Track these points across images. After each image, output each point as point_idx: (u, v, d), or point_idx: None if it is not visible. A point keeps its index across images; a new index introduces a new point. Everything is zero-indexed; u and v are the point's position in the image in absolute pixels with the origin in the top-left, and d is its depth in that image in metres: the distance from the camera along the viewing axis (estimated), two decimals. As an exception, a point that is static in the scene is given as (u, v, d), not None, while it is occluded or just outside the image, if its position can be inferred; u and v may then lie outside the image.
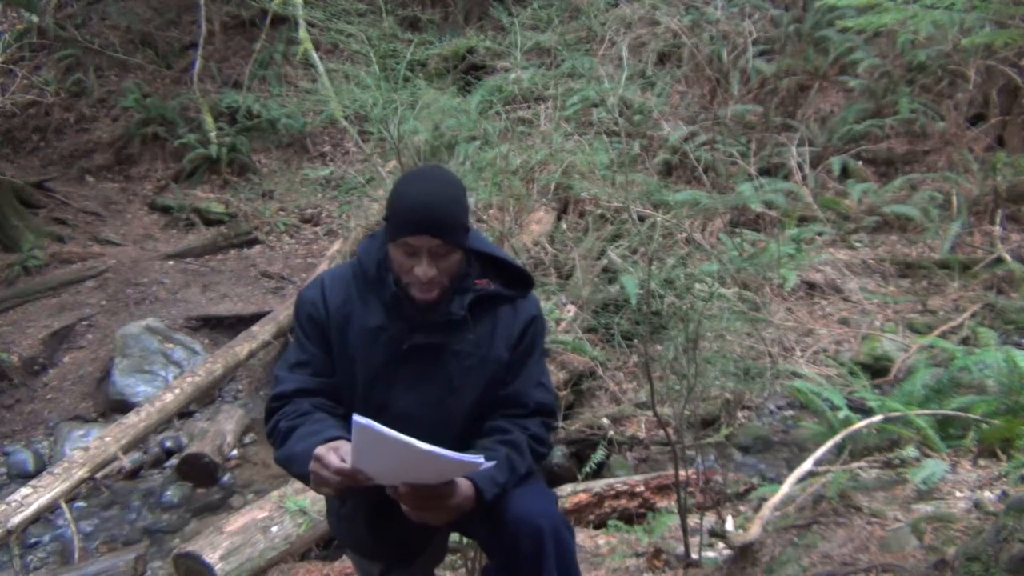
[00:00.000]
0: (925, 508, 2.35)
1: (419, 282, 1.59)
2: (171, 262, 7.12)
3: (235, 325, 5.88)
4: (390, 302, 1.66)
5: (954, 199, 5.91)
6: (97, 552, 3.88)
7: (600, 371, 4.60)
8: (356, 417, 1.34)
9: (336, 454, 1.46)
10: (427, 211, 1.55)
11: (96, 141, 8.96)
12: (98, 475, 4.20)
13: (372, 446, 1.40)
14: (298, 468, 1.53)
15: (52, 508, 3.79)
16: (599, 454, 3.83)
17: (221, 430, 4.76)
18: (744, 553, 2.38)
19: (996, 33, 3.03)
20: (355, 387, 1.70)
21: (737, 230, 5.79)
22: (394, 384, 1.69)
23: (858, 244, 5.94)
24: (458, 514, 1.52)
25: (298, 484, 3.44)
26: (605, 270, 5.15)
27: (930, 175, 6.23)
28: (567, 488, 3.46)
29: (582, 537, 3.01)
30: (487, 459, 1.47)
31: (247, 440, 4.94)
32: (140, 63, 9.51)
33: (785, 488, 2.51)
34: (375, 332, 1.67)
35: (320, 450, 1.47)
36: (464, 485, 1.52)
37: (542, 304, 2.02)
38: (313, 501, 3.41)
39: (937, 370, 3.41)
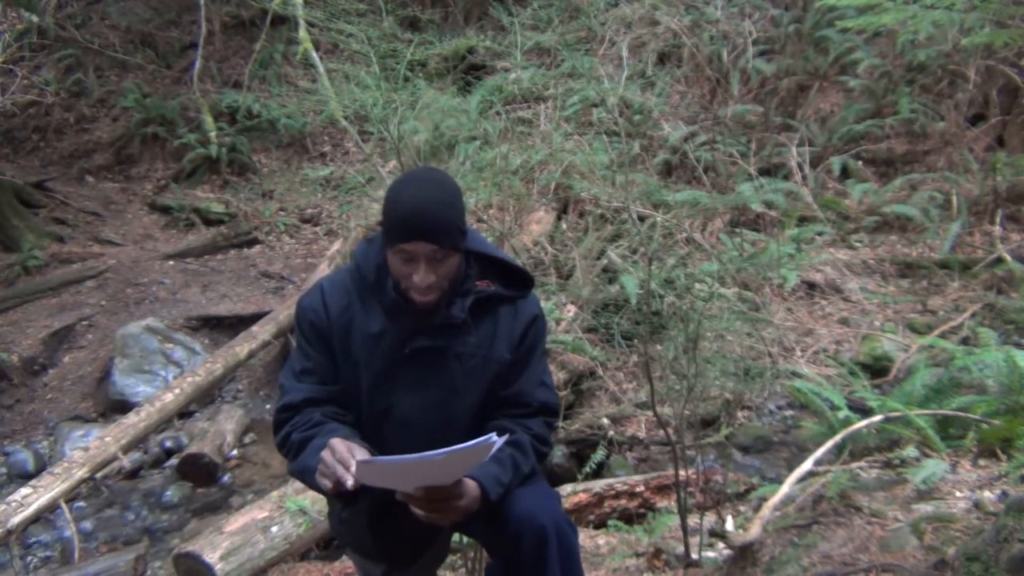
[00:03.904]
0: (925, 508, 2.35)
1: (418, 287, 1.58)
2: (171, 262, 7.12)
3: (235, 325, 5.88)
4: (391, 307, 1.66)
5: (954, 199, 5.92)
6: (97, 552, 3.87)
7: (600, 371, 4.60)
8: (357, 459, 1.39)
9: (347, 447, 1.46)
10: (422, 217, 1.54)
11: (96, 141, 8.95)
12: (98, 475, 4.20)
13: (382, 474, 1.41)
14: (314, 479, 1.51)
15: (52, 508, 3.79)
16: (599, 454, 3.83)
17: (221, 430, 4.76)
18: (744, 553, 2.38)
19: (996, 33, 3.03)
20: (359, 392, 1.70)
21: (737, 230, 5.79)
22: (397, 388, 1.68)
23: (858, 244, 5.94)
24: (466, 514, 1.52)
25: (298, 484, 3.43)
26: (605, 270, 5.15)
27: (930, 175, 6.23)
28: (567, 488, 3.46)
29: (582, 537, 3.01)
30: (491, 458, 1.47)
31: (247, 440, 4.94)
32: (140, 63, 9.51)
33: (785, 488, 2.51)
34: (377, 337, 1.67)
35: (335, 440, 1.48)
36: (471, 486, 1.52)
37: (542, 304, 2.02)
38: (313, 501, 3.41)
39: (937, 370, 3.41)
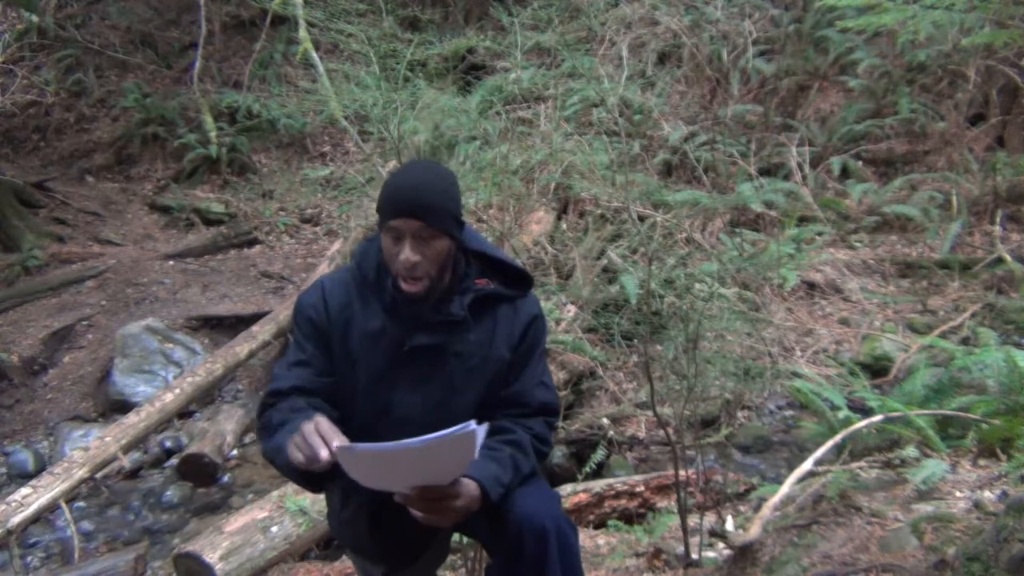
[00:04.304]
0: (925, 508, 2.35)
1: (404, 268, 1.58)
2: (171, 262, 7.12)
3: (235, 325, 5.88)
4: (390, 304, 1.66)
5: (954, 199, 5.92)
6: (97, 552, 3.87)
7: (600, 371, 4.60)
8: (337, 445, 1.33)
9: (331, 427, 1.40)
10: (410, 193, 1.57)
11: (96, 141, 8.96)
12: (98, 475, 4.20)
13: (366, 464, 1.38)
14: (284, 459, 1.47)
15: (52, 508, 3.79)
16: (599, 454, 3.83)
17: (221, 430, 4.75)
18: (744, 553, 2.38)
19: (996, 33, 3.03)
20: (356, 390, 1.70)
21: (737, 230, 5.79)
22: (396, 386, 1.68)
23: (858, 244, 5.94)
24: (465, 515, 1.52)
25: (298, 484, 3.43)
26: (605, 270, 5.15)
27: (930, 175, 6.24)
28: (567, 488, 3.46)
29: (582, 537, 3.01)
30: (490, 458, 1.46)
31: (247, 440, 4.93)
32: (140, 63, 9.51)
33: (785, 488, 2.51)
34: (376, 335, 1.67)
35: (320, 417, 1.43)
36: (470, 486, 1.51)
37: (542, 304, 2.02)
38: (313, 501, 3.40)
39: (937, 370, 3.41)
